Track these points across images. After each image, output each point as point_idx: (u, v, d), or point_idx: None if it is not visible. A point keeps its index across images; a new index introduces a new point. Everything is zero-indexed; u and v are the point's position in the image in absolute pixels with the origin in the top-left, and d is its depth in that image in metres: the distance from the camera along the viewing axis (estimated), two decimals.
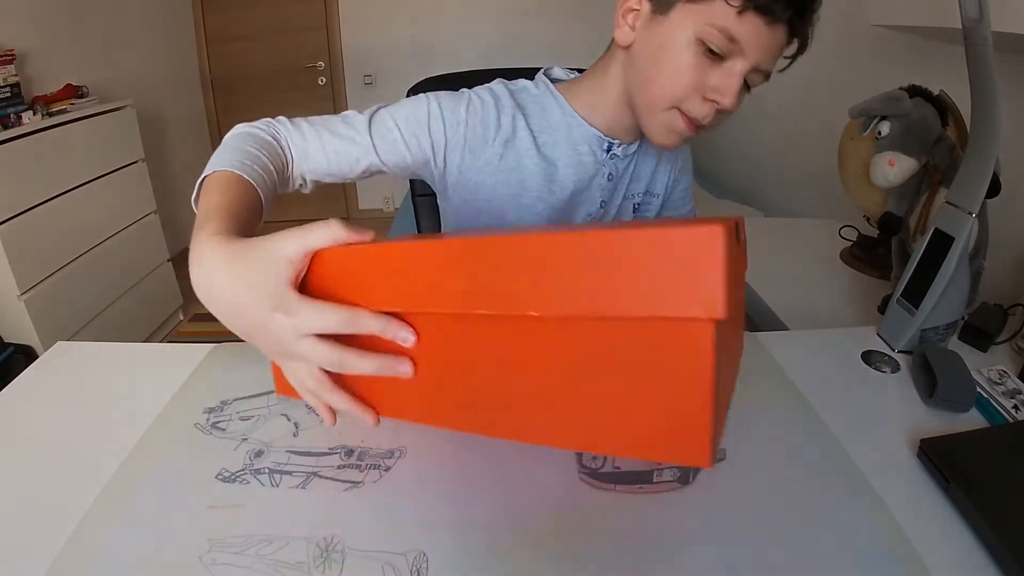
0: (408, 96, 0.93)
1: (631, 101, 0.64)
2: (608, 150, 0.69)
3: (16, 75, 1.79)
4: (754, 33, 0.53)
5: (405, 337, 0.41)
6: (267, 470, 0.53)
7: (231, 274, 0.40)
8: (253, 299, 0.39)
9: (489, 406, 0.40)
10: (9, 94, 1.75)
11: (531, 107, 0.69)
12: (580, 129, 0.68)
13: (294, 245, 0.40)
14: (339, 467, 0.53)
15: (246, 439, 0.57)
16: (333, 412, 0.47)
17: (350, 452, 0.55)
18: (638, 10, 0.59)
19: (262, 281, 0.39)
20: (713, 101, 0.57)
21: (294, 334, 0.40)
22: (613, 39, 0.64)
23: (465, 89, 0.69)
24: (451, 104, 0.66)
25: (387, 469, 0.53)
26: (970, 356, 0.67)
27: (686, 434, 0.32)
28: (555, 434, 0.38)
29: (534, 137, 0.67)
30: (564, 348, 0.35)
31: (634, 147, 0.71)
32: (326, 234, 0.40)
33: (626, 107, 0.65)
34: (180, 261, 2.79)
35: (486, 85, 0.70)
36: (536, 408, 0.38)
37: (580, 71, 0.74)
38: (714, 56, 0.55)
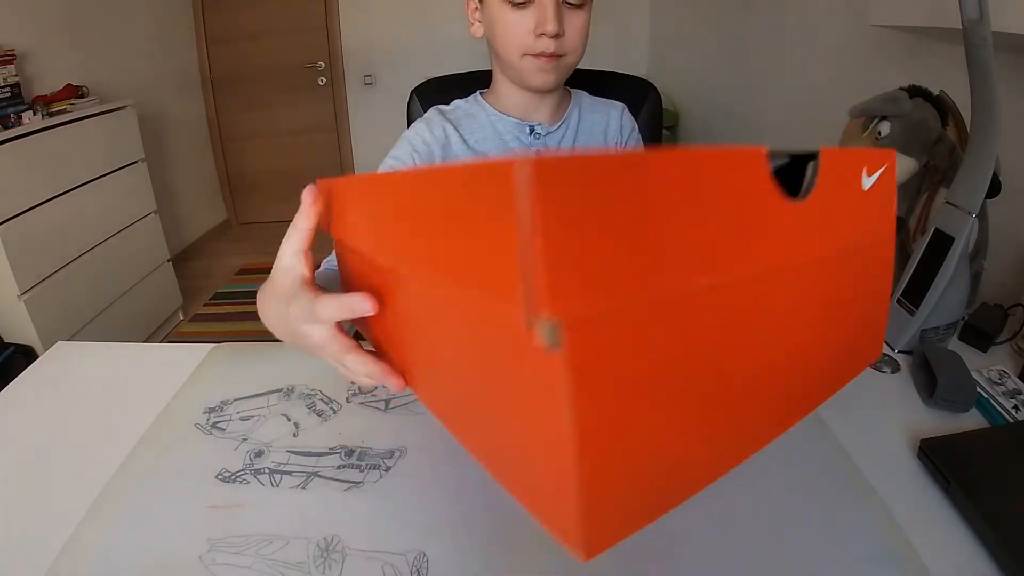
0: (409, 97, 0.95)
1: (506, 75, 0.74)
2: (531, 131, 0.77)
3: (16, 75, 1.79)
4: None
5: (364, 309, 0.36)
6: (267, 470, 0.53)
7: (262, 301, 0.47)
8: (280, 314, 0.43)
9: None
10: (9, 94, 1.75)
11: (462, 119, 0.79)
12: (501, 122, 0.77)
13: (283, 253, 0.43)
14: (339, 467, 0.53)
15: (246, 439, 0.57)
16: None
17: (350, 452, 0.55)
18: (477, 7, 0.72)
19: (280, 296, 0.43)
20: (543, 34, 0.66)
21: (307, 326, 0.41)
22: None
23: (404, 134, 0.80)
24: (400, 153, 0.77)
25: (387, 469, 0.53)
26: (970, 356, 0.67)
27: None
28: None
29: (464, 139, 0.77)
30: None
31: (559, 125, 0.78)
32: (298, 224, 0.42)
33: (515, 84, 0.74)
34: (180, 261, 2.79)
35: (421, 118, 0.81)
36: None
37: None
38: (520, 5, 0.66)
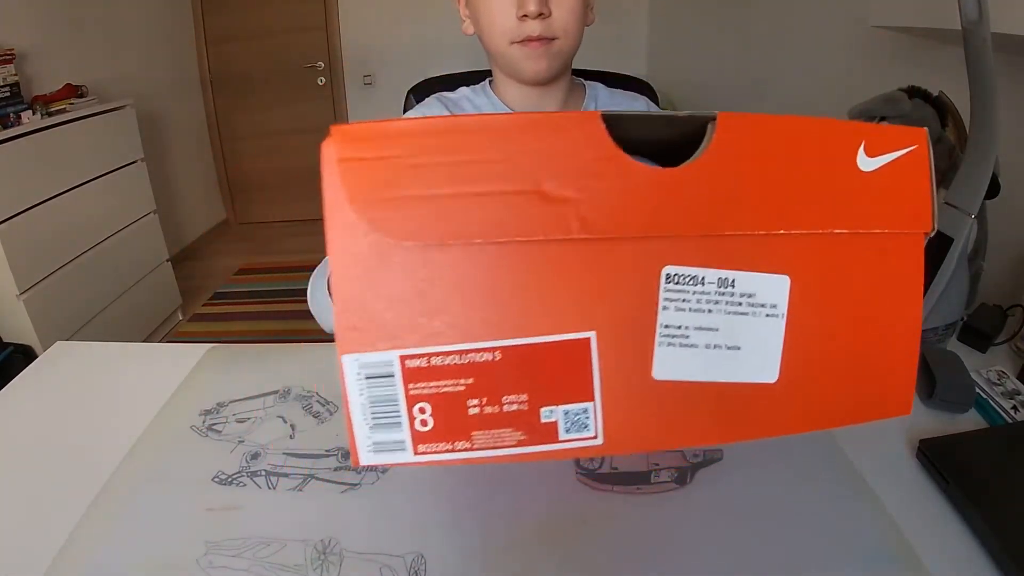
0: (406, 97, 0.95)
1: (500, 69, 0.72)
2: None
3: (16, 75, 1.78)
4: None
5: None
6: (264, 472, 0.53)
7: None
8: None
9: None
10: (9, 94, 1.74)
11: (465, 106, 0.77)
12: (504, 112, 0.75)
13: None
14: (336, 469, 0.53)
15: (242, 441, 0.57)
16: None
17: (347, 454, 0.55)
18: (465, 2, 0.70)
19: None
20: (525, 16, 0.63)
21: None
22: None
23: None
24: None
25: (384, 471, 0.53)
26: (969, 357, 0.67)
27: None
28: None
29: None
30: None
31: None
32: None
33: (510, 78, 0.72)
34: (179, 261, 2.79)
35: (421, 103, 0.79)
36: None
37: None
38: None
